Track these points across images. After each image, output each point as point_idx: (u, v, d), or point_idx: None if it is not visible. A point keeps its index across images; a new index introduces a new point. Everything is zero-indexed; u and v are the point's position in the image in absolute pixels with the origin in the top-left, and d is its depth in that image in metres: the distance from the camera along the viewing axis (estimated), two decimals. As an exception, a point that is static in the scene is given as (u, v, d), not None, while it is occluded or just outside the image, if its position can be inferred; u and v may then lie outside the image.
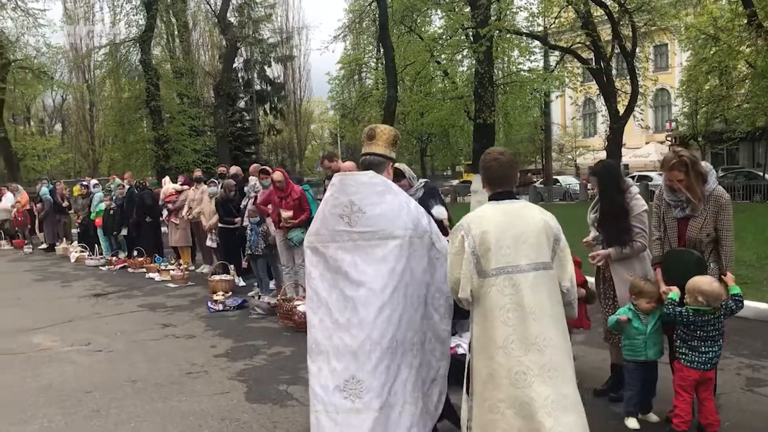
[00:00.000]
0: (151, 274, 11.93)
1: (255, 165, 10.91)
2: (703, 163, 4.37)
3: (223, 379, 5.79)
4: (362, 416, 3.63)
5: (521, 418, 3.16)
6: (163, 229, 13.79)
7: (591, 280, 5.31)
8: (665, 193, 4.46)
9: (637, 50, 24.18)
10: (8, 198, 18.81)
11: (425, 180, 6.11)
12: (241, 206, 10.22)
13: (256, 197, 9.48)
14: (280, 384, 5.54)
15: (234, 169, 12.37)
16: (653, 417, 4.46)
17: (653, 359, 4.41)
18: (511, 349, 3.21)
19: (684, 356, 4.10)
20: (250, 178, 10.14)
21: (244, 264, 9.84)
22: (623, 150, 26.06)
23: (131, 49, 27.93)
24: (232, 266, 10.19)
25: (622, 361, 4.63)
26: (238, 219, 10.16)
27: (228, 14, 30.29)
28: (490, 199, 3.49)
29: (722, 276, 4.21)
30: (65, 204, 16.68)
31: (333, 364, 3.73)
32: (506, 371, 3.21)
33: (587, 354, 6.00)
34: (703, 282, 4.02)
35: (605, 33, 24.32)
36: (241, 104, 41.95)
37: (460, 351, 5.39)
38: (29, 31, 28.43)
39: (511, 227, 3.28)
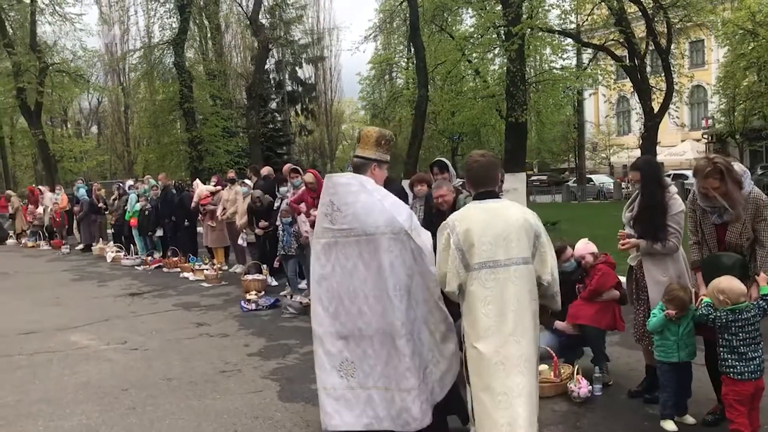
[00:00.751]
0: (185, 274, 12.08)
1: (288, 165, 11.00)
2: (737, 166, 4.27)
3: (256, 377, 5.84)
4: (355, 392, 4.05)
5: (501, 408, 3.35)
6: (198, 229, 13.95)
7: (624, 280, 5.25)
8: (699, 199, 4.36)
9: (672, 47, 23.75)
10: (48, 197, 19.24)
11: (463, 181, 6.27)
12: (275, 208, 10.30)
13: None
14: (312, 383, 5.51)
15: (266, 170, 12.48)
16: (689, 419, 4.38)
17: (685, 360, 4.33)
18: (491, 340, 3.40)
19: (732, 369, 3.92)
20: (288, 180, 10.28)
21: (276, 264, 9.91)
22: (658, 148, 25.64)
23: (165, 51, 28.32)
24: (264, 266, 10.27)
25: (656, 363, 4.56)
26: (259, 231, 10.43)
27: (260, 16, 30.50)
28: (474, 198, 3.73)
29: (756, 276, 4.12)
30: (101, 205, 16.98)
31: (327, 347, 4.11)
32: (488, 360, 3.40)
33: (621, 355, 5.93)
34: (722, 280, 3.96)
35: (639, 30, 23.94)
36: (273, 105, 42.20)
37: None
38: (66, 36, 29.22)
39: (493, 225, 3.48)
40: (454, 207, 5.74)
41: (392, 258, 3.96)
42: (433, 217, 5.91)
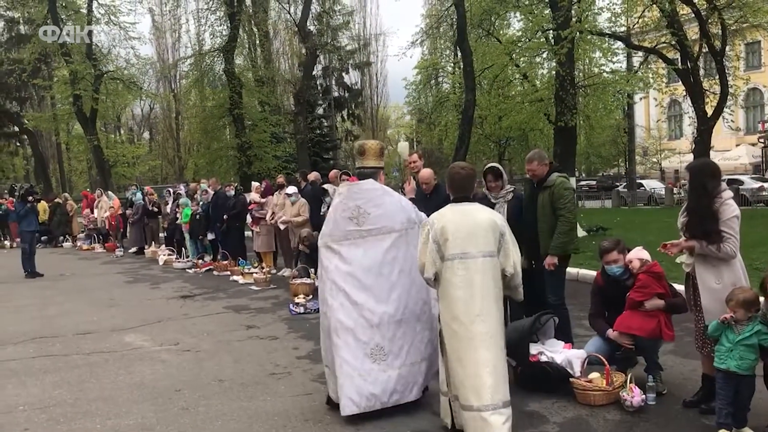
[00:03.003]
0: (235, 277, 12.26)
1: (335, 171, 11.10)
2: None
3: (305, 380, 5.89)
4: (387, 374, 4.70)
5: (472, 375, 4.02)
6: (247, 233, 14.14)
7: (681, 288, 5.14)
8: None
9: (727, 49, 23.12)
10: (105, 201, 19.76)
11: (514, 187, 6.43)
12: (321, 213, 10.38)
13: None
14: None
15: (313, 175, 12.62)
16: (748, 431, 4.26)
17: (734, 371, 4.20)
18: (463, 319, 4.08)
19: None
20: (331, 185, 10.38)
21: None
22: (712, 153, 24.97)
23: (215, 59, 28.73)
24: (312, 270, 10.35)
25: (713, 372, 4.46)
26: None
27: (308, 23, 30.77)
28: (452, 202, 4.43)
29: None
30: (155, 208, 17.36)
31: (359, 336, 4.69)
32: (459, 336, 4.08)
33: (675, 364, 5.80)
34: None
35: (692, 32, 23.36)
36: (320, 111, 42.57)
37: (543, 358, 5.32)
38: (120, 44, 29.88)
39: (465, 223, 4.20)
40: (545, 180, 6.10)
41: (413, 249, 4.62)
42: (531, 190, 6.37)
